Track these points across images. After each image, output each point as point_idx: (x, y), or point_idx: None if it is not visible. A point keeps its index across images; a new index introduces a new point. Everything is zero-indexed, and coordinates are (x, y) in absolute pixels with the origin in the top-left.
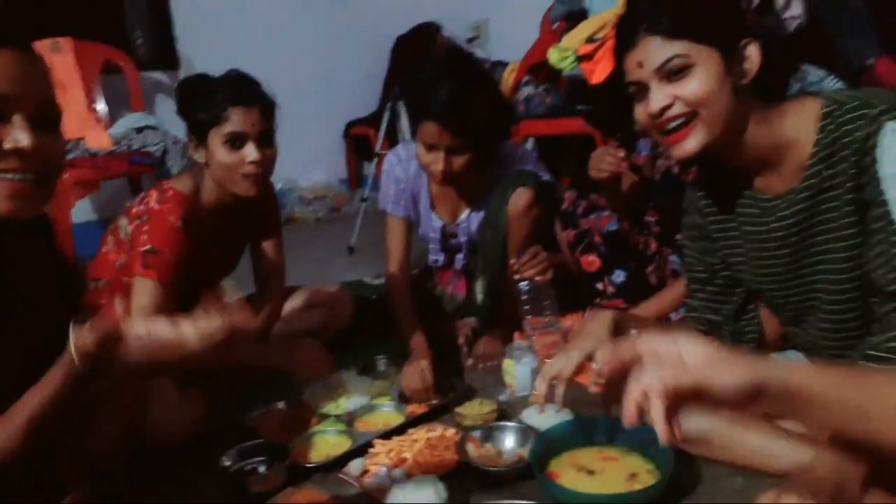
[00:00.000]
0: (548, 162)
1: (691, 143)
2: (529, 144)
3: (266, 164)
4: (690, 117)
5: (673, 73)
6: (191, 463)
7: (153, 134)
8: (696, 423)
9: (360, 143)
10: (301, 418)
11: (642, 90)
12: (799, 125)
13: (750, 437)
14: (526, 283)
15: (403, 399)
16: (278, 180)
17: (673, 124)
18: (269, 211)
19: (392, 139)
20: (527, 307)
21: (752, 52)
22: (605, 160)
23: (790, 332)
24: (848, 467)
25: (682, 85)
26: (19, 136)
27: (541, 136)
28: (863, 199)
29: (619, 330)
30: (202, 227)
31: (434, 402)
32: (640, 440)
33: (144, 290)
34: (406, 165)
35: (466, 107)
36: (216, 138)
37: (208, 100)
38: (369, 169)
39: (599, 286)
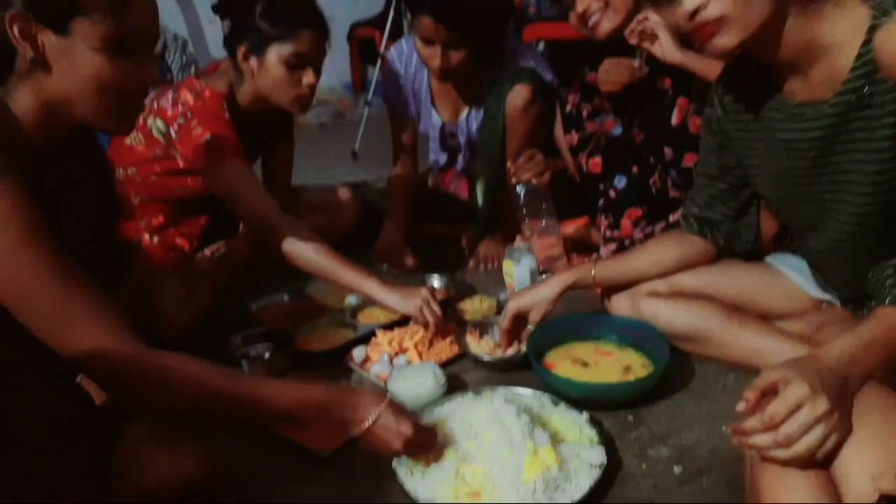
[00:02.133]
0: (559, 70)
1: (725, 39)
2: (540, 49)
3: (315, 88)
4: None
5: None
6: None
7: None
8: (691, 320)
9: (365, 46)
10: (305, 310)
11: None
12: (837, 30)
13: (745, 336)
14: (522, 185)
15: None
16: None
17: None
18: (284, 115)
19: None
20: (524, 210)
21: None
22: (620, 72)
23: (800, 239)
24: (852, 364)
25: None
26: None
27: (550, 39)
28: None
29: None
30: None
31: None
32: (636, 336)
33: (234, 174)
34: (407, 60)
35: (461, 1)
36: (275, 53)
37: (275, 12)
38: (374, 73)
39: (601, 187)
